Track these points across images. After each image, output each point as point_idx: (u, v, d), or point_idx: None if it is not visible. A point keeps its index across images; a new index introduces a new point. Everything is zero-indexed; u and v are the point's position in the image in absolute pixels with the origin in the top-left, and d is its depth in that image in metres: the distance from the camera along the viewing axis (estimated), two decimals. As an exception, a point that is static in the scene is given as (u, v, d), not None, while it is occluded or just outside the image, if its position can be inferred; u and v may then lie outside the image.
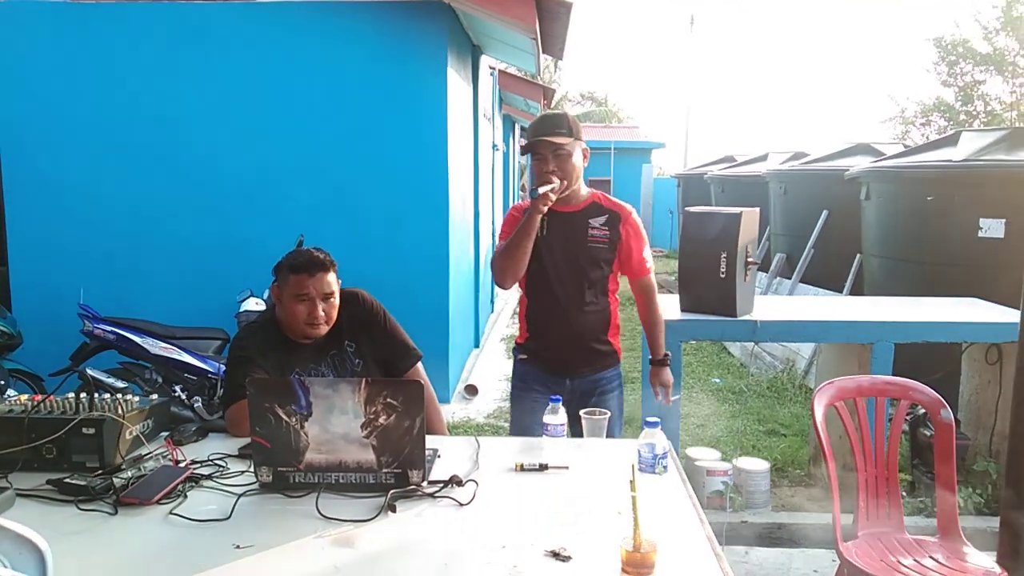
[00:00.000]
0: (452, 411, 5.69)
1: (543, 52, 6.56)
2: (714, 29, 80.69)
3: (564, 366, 2.85)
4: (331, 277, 2.48)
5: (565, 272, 2.78)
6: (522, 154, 2.83)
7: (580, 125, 2.80)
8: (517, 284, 2.86)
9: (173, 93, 5.30)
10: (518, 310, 2.98)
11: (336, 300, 2.50)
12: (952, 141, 5.88)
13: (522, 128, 16.92)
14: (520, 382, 2.95)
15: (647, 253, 2.90)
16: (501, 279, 2.77)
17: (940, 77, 19.08)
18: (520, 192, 19.11)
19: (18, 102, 5.27)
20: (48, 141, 5.30)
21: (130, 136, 5.31)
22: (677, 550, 1.65)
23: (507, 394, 6.22)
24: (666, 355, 3.02)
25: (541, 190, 2.59)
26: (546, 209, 2.63)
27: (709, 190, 12.05)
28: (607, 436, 2.34)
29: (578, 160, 2.73)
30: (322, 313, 2.44)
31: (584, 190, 2.84)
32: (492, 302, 9.86)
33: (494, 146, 9.83)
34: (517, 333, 3.01)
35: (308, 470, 1.92)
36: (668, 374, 3.01)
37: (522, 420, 2.89)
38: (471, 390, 6.16)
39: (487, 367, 6.93)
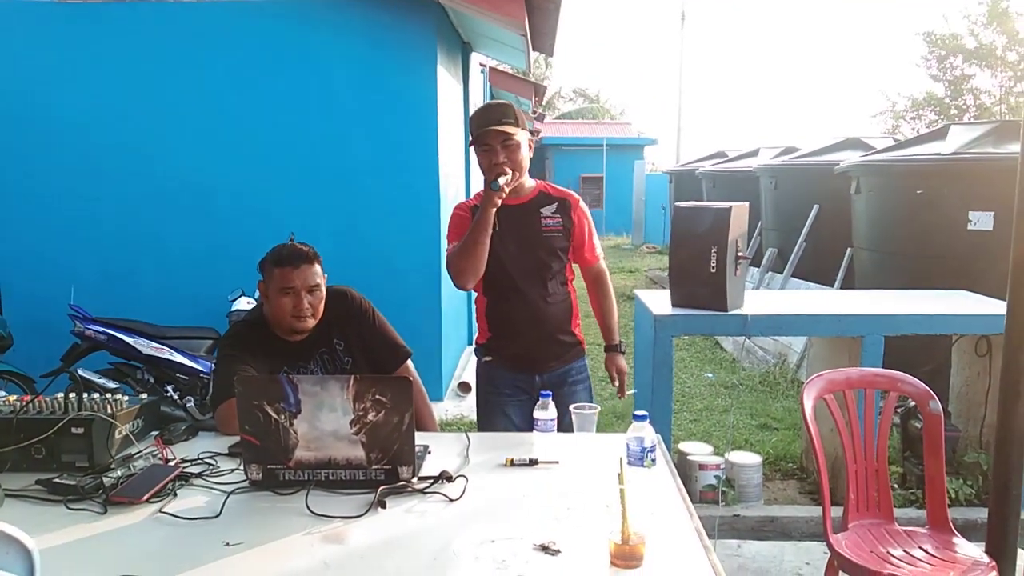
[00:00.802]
0: (445, 409, 5.69)
1: (533, 49, 6.56)
2: (705, 25, 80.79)
3: (532, 362, 2.80)
4: (316, 269, 2.48)
5: (524, 265, 2.73)
6: (469, 145, 2.75)
7: (524, 114, 2.77)
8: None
9: (162, 93, 5.28)
10: (475, 310, 2.92)
11: (322, 293, 2.50)
12: (941, 135, 5.90)
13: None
14: (488, 385, 2.87)
15: (596, 240, 2.91)
16: (462, 280, 2.68)
17: (930, 71, 19.17)
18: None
19: (7, 102, 5.25)
20: (36, 141, 5.28)
21: (119, 136, 5.29)
22: (666, 542, 1.66)
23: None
24: (620, 342, 2.98)
25: (501, 181, 2.51)
26: (500, 202, 2.56)
27: (701, 186, 12.07)
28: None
29: (525, 150, 2.69)
30: (308, 305, 2.44)
31: (529, 181, 2.81)
32: (485, 299, 9.85)
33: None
34: (477, 334, 2.94)
35: (298, 467, 1.93)
36: (623, 361, 2.97)
37: (492, 423, 2.82)
38: (464, 388, 6.16)
39: (480, 364, 6.92)
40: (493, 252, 2.65)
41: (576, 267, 2.94)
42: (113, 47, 5.24)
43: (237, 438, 2.03)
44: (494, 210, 2.56)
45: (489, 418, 2.86)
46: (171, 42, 5.25)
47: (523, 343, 2.78)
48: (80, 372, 3.85)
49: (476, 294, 2.88)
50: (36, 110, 5.27)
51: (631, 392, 3.01)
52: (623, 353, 2.99)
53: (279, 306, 2.44)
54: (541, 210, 2.77)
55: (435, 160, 5.46)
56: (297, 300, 2.43)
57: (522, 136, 2.67)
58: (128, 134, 5.30)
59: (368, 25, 5.31)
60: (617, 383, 2.99)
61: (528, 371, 2.80)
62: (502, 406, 2.80)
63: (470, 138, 2.72)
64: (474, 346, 2.97)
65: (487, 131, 2.62)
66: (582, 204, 2.86)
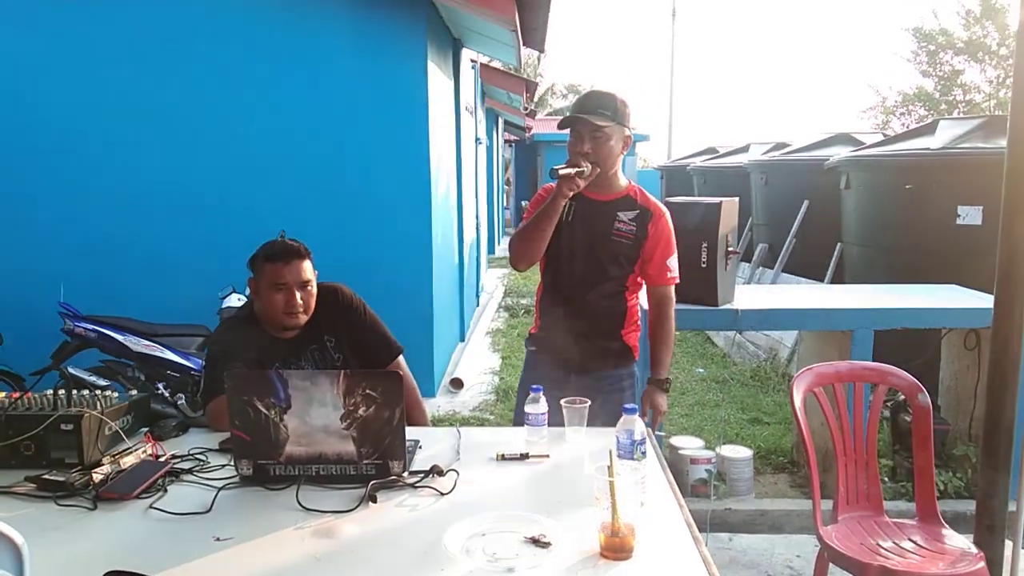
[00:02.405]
0: (437, 405, 5.69)
1: (524, 45, 6.56)
2: (696, 21, 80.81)
3: (568, 361, 2.68)
4: (307, 265, 2.47)
5: (581, 263, 2.63)
6: (559, 128, 2.63)
7: (629, 111, 2.60)
8: (538, 268, 2.73)
9: (150, 90, 5.26)
10: (535, 298, 2.86)
11: (313, 289, 2.50)
12: (930, 130, 5.93)
13: (506, 122, 16.92)
14: (525, 372, 2.83)
15: (672, 262, 2.71)
16: (516, 261, 2.61)
17: (920, 67, 19.24)
18: (505, 187, 19.06)
19: (-6, 98, 5.22)
20: (25, 137, 5.25)
21: (108, 133, 5.27)
22: (656, 534, 1.67)
23: (492, 387, 6.27)
24: (667, 379, 2.75)
25: (561, 172, 2.40)
26: (571, 194, 2.45)
27: (692, 181, 12.09)
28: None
29: (617, 146, 2.57)
30: (300, 301, 2.43)
31: (622, 180, 2.68)
32: (477, 296, 9.86)
33: (477, 140, 9.82)
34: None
35: (288, 462, 1.92)
36: (662, 399, 2.74)
37: (519, 414, 2.73)
38: (456, 384, 6.16)
39: (472, 361, 6.93)
40: (558, 241, 2.58)
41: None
42: (100, 44, 5.20)
43: (228, 434, 2.03)
44: (563, 201, 2.47)
45: (518, 405, 2.77)
46: (159, 39, 5.23)
47: (564, 339, 2.66)
48: (70, 370, 3.83)
49: (539, 281, 2.80)
50: (23, 107, 5.23)
51: (660, 434, 2.84)
52: (666, 392, 2.76)
53: (270, 302, 2.43)
54: (619, 213, 2.64)
55: (426, 157, 5.46)
56: (289, 296, 2.42)
57: (616, 131, 2.55)
58: (117, 132, 5.27)
59: (358, 21, 5.30)
60: (648, 419, 2.72)
61: (564, 368, 2.68)
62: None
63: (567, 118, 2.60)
64: (527, 334, 2.88)
65: (577, 118, 2.52)
66: (667, 220, 2.69)
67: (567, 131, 2.60)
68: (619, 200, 2.67)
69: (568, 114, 2.60)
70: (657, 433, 1.99)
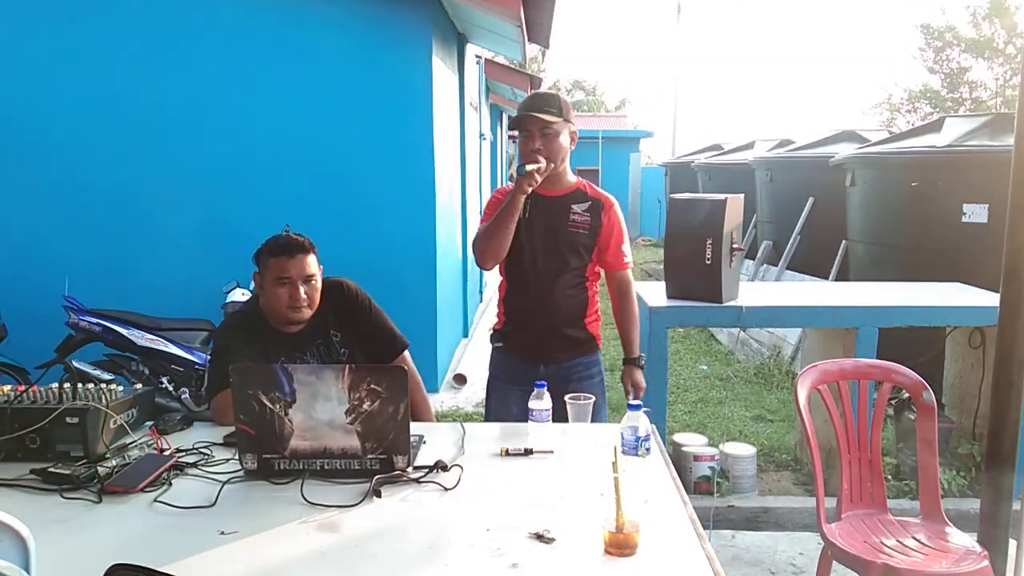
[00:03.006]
0: (441, 400, 5.69)
1: (529, 40, 6.55)
2: (701, 17, 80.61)
3: (537, 353, 2.80)
4: (311, 259, 2.47)
5: (543, 256, 2.74)
6: (509, 129, 2.80)
7: (572, 108, 2.77)
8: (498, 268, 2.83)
9: (157, 82, 5.25)
10: (497, 295, 2.96)
11: (318, 283, 2.49)
12: (936, 127, 5.91)
13: (510, 117, 16.91)
14: (495, 370, 2.93)
15: (626, 248, 2.87)
16: (482, 260, 2.74)
17: (926, 64, 19.17)
18: (509, 182, 19.09)
19: (-1, 92, 5.23)
20: (30, 131, 5.26)
21: (114, 126, 5.27)
22: (660, 531, 1.67)
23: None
24: (640, 356, 2.91)
25: (528, 167, 2.54)
26: (530, 190, 2.58)
27: (696, 178, 12.08)
28: (591, 422, 2.34)
29: (565, 141, 2.69)
30: (304, 296, 2.43)
31: (571, 176, 2.82)
32: (481, 292, 9.86)
33: (481, 135, 9.80)
34: (496, 320, 2.98)
35: (293, 457, 1.93)
36: (640, 376, 2.90)
37: (496, 409, 2.88)
38: (460, 379, 6.17)
39: (476, 356, 6.93)
40: (518, 238, 2.69)
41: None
42: (109, 36, 5.20)
43: (233, 428, 2.03)
44: (523, 197, 2.60)
45: (494, 405, 2.91)
46: (165, 32, 5.22)
47: (529, 332, 2.80)
48: (75, 363, 3.84)
49: (500, 279, 2.90)
50: (29, 99, 5.24)
51: (646, 409, 2.94)
52: (641, 368, 2.91)
53: (275, 296, 2.43)
54: (573, 206, 2.76)
55: (431, 151, 5.45)
56: (293, 290, 2.42)
57: (563, 127, 2.67)
58: (122, 126, 5.27)
59: (363, 15, 5.29)
60: (632, 398, 2.84)
61: (533, 361, 2.80)
62: (506, 392, 2.84)
63: (513, 123, 2.73)
64: (491, 331, 2.97)
65: (527, 116, 2.64)
66: (617, 209, 2.83)
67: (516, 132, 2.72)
68: (571, 194, 2.80)
69: (517, 115, 2.72)
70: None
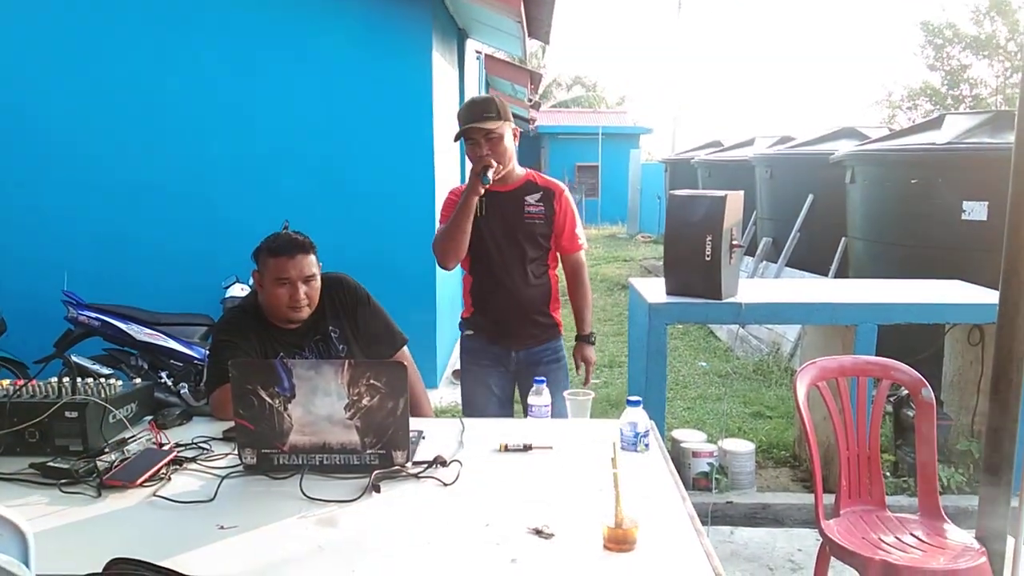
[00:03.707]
0: (440, 396, 5.69)
1: (529, 36, 6.54)
2: (702, 13, 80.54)
3: (509, 338, 2.95)
4: (311, 259, 2.47)
5: (506, 250, 2.87)
6: (455, 140, 2.93)
7: (507, 105, 2.87)
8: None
9: (159, 78, 5.25)
10: (462, 287, 3.08)
11: (317, 283, 2.49)
12: (936, 124, 5.90)
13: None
14: (468, 356, 3.05)
15: (579, 231, 3.01)
16: (444, 260, 2.86)
17: (927, 61, 19.15)
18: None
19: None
20: (31, 126, 5.25)
21: (115, 122, 5.26)
22: (659, 526, 1.67)
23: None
24: (591, 333, 3.11)
25: (490, 174, 2.67)
26: (483, 191, 2.72)
27: (696, 175, 12.06)
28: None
29: (509, 141, 2.81)
30: (304, 296, 2.43)
31: (519, 170, 2.94)
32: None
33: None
34: (463, 309, 3.07)
35: (292, 452, 1.93)
36: (590, 351, 3.10)
37: (473, 392, 3.01)
38: (459, 375, 6.16)
39: (475, 352, 6.92)
40: (478, 235, 2.82)
41: None
42: (111, 31, 5.20)
43: (232, 423, 2.03)
44: (476, 198, 2.74)
45: (470, 388, 3.05)
46: (165, 29, 5.22)
47: (502, 321, 2.94)
48: (73, 358, 3.84)
49: (464, 272, 3.01)
50: (29, 94, 5.23)
51: (596, 382, 3.12)
52: (592, 344, 3.11)
53: (274, 296, 2.43)
54: (526, 198, 2.90)
55: (430, 147, 5.45)
56: (293, 290, 2.42)
57: (506, 128, 2.79)
58: (122, 122, 5.27)
59: (363, 11, 5.28)
60: (583, 372, 3.12)
61: (505, 346, 2.96)
62: (483, 376, 2.97)
63: (456, 132, 2.85)
64: (459, 320, 3.09)
65: (470, 127, 2.76)
66: (567, 194, 2.98)
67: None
68: (521, 187, 2.92)
69: (460, 127, 2.83)
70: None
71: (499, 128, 2.75)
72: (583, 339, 3.11)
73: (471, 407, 3.02)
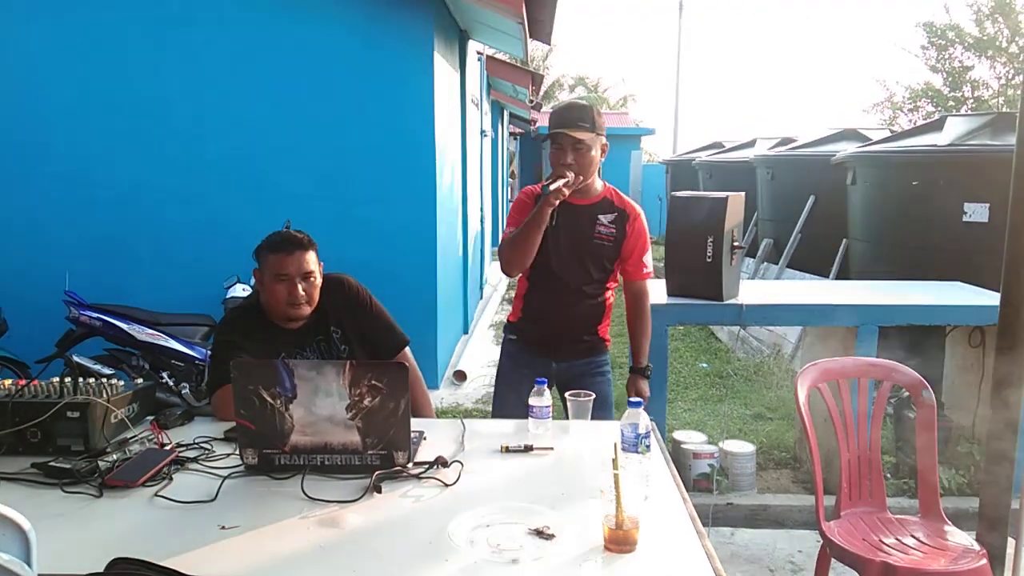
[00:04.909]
0: (441, 397, 5.70)
1: (531, 37, 6.54)
2: (703, 15, 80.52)
3: (552, 351, 2.85)
4: (310, 256, 2.47)
5: (569, 265, 2.76)
6: (541, 141, 2.82)
7: (603, 118, 2.76)
8: None
9: (159, 78, 5.25)
10: (516, 290, 2.98)
11: (317, 280, 2.49)
12: (938, 126, 5.91)
13: (511, 115, 16.88)
14: (507, 360, 2.96)
15: (648, 258, 2.87)
16: (507, 268, 2.75)
17: (929, 62, 19.11)
18: (510, 179, 19.05)
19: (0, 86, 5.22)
20: (31, 126, 5.25)
21: (115, 121, 5.27)
22: (660, 528, 1.67)
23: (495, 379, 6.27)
24: (647, 366, 2.96)
25: (552, 187, 2.53)
26: (558, 202, 2.58)
27: (697, 176, 12.06)
28: (601, 420, 2.35)
29: (596, 155, 2.69)
30: (303, 292, 2.43)
31: (598, 184, 2.82)
32: (481, 288, 9.87)
33: (482, 132, 9.80)
34: (510, 312, 2.99)
35: (293, 452, 1.93)
36: (645, 386, 2.94)
37: (506, 397, 2.92)
38: (460, 376, 6.17)
39: (476, 353, 6.94)
40: (543, 245, 2.69)
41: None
42: (111, 31, 5.20)
43: (233, 423, 2.03)
44: (550, 209, 2.59)
45: (503, 392, 2.95)
46: (169, 28, 5.22)
47: (548, 332, 2.85)
48: (75, 358, 3.84)
49: (519, 275, 2.91)
50: (29, 95, 5.24)
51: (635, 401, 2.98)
52: (647, 378, 2.96)
53: (274, 293, 2.44)
54: (600, 216, 2.78)
55: (432, 148, 5.45)
56: (291, 287, 2.42)
57: (595, 141, 2.66)
58: (124, 121, 5.27)
59: (365, 12, 5.28)
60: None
61: (546, 356, 2.85)
62: (517, 384, 2.82)
63: (547, 132, 2.74)
64: (505, 322, 3.02)
65: (559, 133, 2.64)
66: (642, 219, 2.84)
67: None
68: (598, 204, 2.80)
69: (549, 129, 2.72)
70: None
71: (589, 140, 2.63)
72: (638, 371, 2.94)
73: (501, 412, 2.94)
